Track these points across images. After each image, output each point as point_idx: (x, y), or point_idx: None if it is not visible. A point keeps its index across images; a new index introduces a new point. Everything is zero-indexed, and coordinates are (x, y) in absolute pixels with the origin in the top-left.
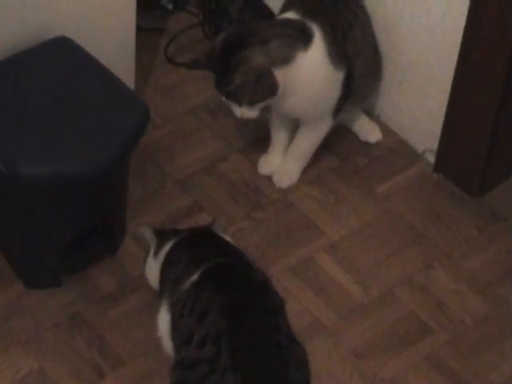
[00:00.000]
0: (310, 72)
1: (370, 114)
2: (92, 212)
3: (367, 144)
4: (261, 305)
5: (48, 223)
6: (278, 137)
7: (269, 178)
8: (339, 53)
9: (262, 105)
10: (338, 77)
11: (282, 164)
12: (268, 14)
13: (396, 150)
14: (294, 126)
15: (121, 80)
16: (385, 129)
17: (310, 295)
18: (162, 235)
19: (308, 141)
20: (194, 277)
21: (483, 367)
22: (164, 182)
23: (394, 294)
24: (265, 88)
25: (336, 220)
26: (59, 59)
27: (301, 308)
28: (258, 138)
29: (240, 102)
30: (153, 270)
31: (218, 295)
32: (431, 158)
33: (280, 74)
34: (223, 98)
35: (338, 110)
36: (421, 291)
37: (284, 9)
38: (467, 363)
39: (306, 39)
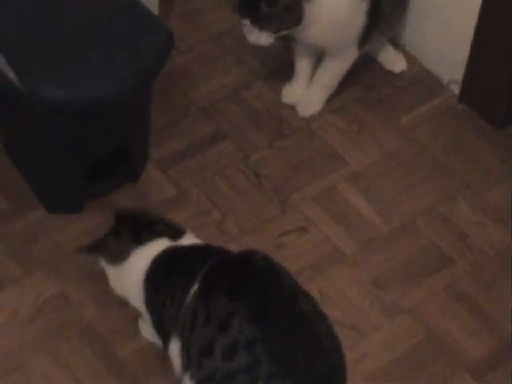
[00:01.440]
0: (333, 1)
1: (395, 43)
2: (114, 137)
3: (392, 74)
4: (283, 297)
5: (70, 147)
6: (302, 66)
7: (292, 107)
8: None
9: (283, 33)
10: (361, 6)
11: (306, 93)
12: None
13: (421, 80)
14: (319, 55)
15: (145, 5)
16: (410, 59)
17: (332, 224)
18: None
19: (333, 70)
20: (194, 288)
21: (503, 297)
22: (187, 109)
23: (416, 225)
24: (292, 17)
25: (359, 150)
26: None
27: (322, 237)
28: (282, 66)
29: (264, 28)
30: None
31: (236, 301)
32: (456, 89)
33: (305, 3)
34: (245, 21)
35: (364, 40)
36: (442, 222)
37: None
38: (487, 294)
39: None
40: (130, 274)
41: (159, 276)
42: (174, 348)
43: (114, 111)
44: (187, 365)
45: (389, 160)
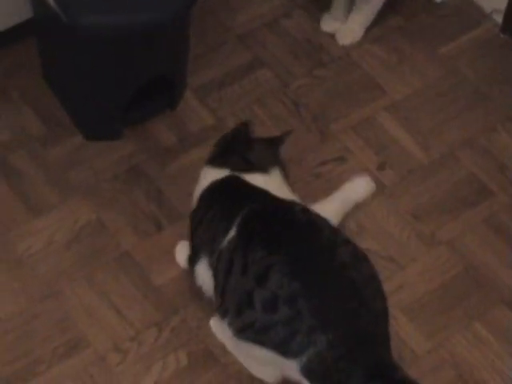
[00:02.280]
0: None
1: None
2: (153, 65)
3: (433, 3)
4: (322, 250)
5: (109, 74)
6: None
7: (331, 36)
8: None
9: None
10: None
11: (346, 21)
12: None
13: (462, 9)
14: None
15: None
16: None
17: (370, 154)
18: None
19: None
20: (232, 233)
21: None
22: (225, 37)
23: (455, 156)
24: None
25: (399, 79)
26: None
27: (361, 167)
28: None
29: None
30: None
31: (275, 254)
32: (498, 19)
33: None
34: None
35: None
36: (483, 154)
37: None
38: None
39: None
40: (196, 188)
41: (206, 200)
42: (201, 269)
43: (153, 39)
44: (223, 312)
45: (429, 90)
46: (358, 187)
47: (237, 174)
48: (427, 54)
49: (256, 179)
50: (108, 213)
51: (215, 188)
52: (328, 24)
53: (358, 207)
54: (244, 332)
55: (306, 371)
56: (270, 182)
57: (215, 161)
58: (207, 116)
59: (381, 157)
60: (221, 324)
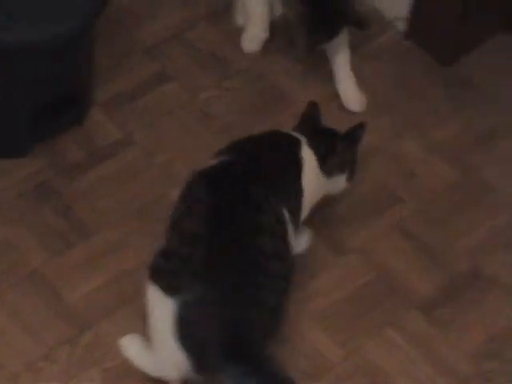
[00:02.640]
0: None
1: None
2: (57, 80)
3: None
4: (245, 221)
5: (13, 89)
6: (258, 9)
7: (236, 47)
8: None
9: None
10: None
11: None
12: None
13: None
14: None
15: None
16: None
17: None
18: None
19: None
20: (211, 162)
21: (451, 235)
22: (132, 50)
23: (364, 164)
24: None
25: (304, 88)
26: None
27: None
28: (226, 7)
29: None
30: None
31: (207, 196)
32: (401, 26)
33: None
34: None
35: None
36: (390, 161)
37: None
38: (436, 231)
39: None
40: None
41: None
42: None
43: (56, 53)
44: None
45: (335, 99)
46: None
47: (303, 143)
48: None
49: (310, 164)
50: (16, 231)
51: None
52: (249, 44)
53: None
54: (161, 256)
55: (177, 318)
56: (316, 175)
57: (310, 135)
58: (115, 130)
59: None
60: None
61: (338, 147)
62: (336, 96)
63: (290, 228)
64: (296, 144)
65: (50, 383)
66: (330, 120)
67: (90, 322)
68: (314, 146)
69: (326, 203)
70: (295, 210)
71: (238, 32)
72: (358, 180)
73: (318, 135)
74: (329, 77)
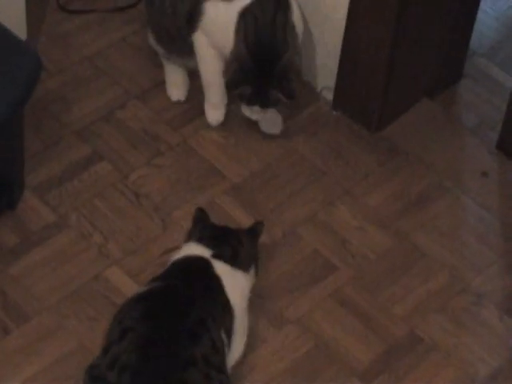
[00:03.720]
0: None
1: None
2: None
3: None
4: (176, 351)
5: None
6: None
7: (168, 124)
8: None
9: None
10: None
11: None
12: None
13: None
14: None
15: (9, 30)
16: None
17: None
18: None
19: None
20: (143, 288)
21: (387, 301)
22: (62, 133)
23: (298, 233)
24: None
25: (237, 162)
26: None
27: None
28: (156, 84)
29: (269, 108)
30: None
31: (142, 322)
32: (329, 96)
33: None
34: (254, 108)
35: None
36: (324, 229)
37: None
38: (372, 298)
39: None
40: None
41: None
42: None
43: None
44: None
45: (267, 171)
46: None
47: (212, 259)
48: (263, 134)
49: (227, 273)
50: None
51: (182, 260)
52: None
53: None
54: (91, 369)
55: None
56: (234, 277)
57: (204, 240)
58: (48, 214)
59: None
60: None
61: (243, 239)
62: (269, 166)
63: (227, 350)
64: (207, 265)
65: None
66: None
67: None
68: (220, 250)
69: (261, 276)
70: (229, 326)
71: (168, 108)
72: (292, 250)
73: (219, 236)
74: (260, 148)
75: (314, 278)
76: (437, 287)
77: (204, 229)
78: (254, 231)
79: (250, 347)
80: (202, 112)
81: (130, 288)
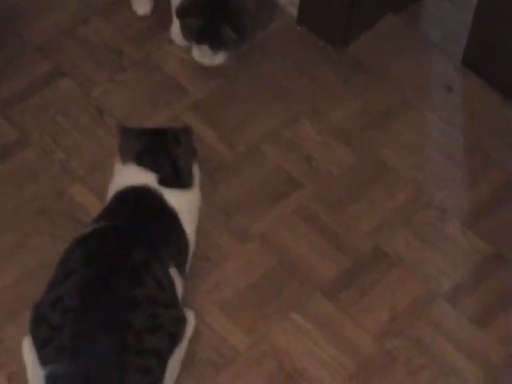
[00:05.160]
0: None
1: None
2: None
3: None
4: (117, 295)
5: None
6: None
7: (130, 39)
8: None
9: None
10: None
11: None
12: None
13: (258, 4)
14: None
15: None
16: None
17: None
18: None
19: None
20: (84, 231)
21: (352, 217)
22: (23, 49)
23: (261, 150)
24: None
25: (200, 78)
26: None
27: None
28: None
29: (222, 50)
30: None
31: (83, 264)
32: (294, 11)
33: None
34: (202, 46)
35: None
36: (288, 145)
37: None
38: (336, 214)
39: None
40: (111, 183)
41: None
42: None
43: None
44: None
45: (230, 86)
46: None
47: (157, 189)
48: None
49: (175, 197)
50: None
51: (126, 193)
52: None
53: None
54: (35, 309)
55: None
56: (186, 200)
57: (143, 159)
58: (10, 130)
59: None
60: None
61: (181, 139)
62: (232, 81)
63: (179, 282)
64: (156, 195)
65: None
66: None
67: None
68: (163, 171)
69: (224, 192)
70: (184, 259)
71: (131, 24)
72: (256, 167)
73: (156, 150)
74: (224, 64)
75: (277, 195)
76: (401, 202)
77: (137, 142)
78: (188, 130)
79: (214, 263)
80: (165, 27)
81: (94, 205)
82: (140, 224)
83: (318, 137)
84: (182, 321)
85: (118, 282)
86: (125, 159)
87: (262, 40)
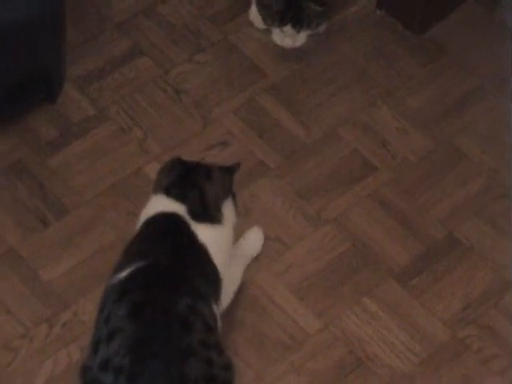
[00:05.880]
0: None
1: None
2: (27, 57)
3: None
4: (171, 346)
5: None
6: None
7: (209, 20)
8: None
9: None
10: None
11: None
12: None
13: None
14: None
15: None
16: None
17: (254, 137)
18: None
19: None
20: (123, 274)
21: (426, 203)
22: (103, 26)
23: (338, 134)
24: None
25: (278, 61)
26: None
27: (245, 150)
28: None
29: (304, 29)
30: None
31: (130, 321)
32: None
33: None
34: (285, 28)
35: None
36: (364, 130)
37: None
38: (410, 200)
39: None
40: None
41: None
42: None
43: (25, 32)
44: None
45: (308, 69)
46: (252, 243)
47: (186, 219)
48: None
49: (203, 231)
50: None
51: (156, 221)
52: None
53: (244, 189)
54: (84, 371)
55: None
56: (216, 235)
57: (171, 191)
58: (88, 107)
59: (264, 139)
60: None
61: (214, 174)
62: (311, 65)
63: (219, 318)
64: (185, 224)
65: (28, 362)
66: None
67: (67, 301)
68: (190, 202)
69: (300, 175)
70: (219, 294)
71: (211, 4)
72: (332, 150)
73: (185, 180)
74: (303, 47)
75: (353, 179)
76: (476, 190)
77: (170, 174)
78: (228, 168)
79: (286, 246)
80: (245, 9)
81: None
82: (177, 258)
83: (394, 122)
84: (231, 367)
85: (168, 334)
86: (155, 190)
87: (340, 23)
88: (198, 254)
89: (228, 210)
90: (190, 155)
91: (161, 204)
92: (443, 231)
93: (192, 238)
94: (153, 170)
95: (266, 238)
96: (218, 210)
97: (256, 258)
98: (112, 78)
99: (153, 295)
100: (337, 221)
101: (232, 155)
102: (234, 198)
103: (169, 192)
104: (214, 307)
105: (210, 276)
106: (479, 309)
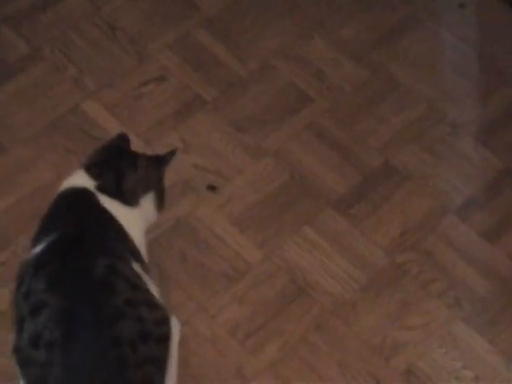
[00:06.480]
0: None
1: None
2: None
3: None
4: (98, 311)
5: None
6: None
7: None
8: None
9: None
10: None
11: None
12: None
13: None
14: None
15: None
16: None
17: (190, 72)
18: None
19: None
20: (36, 250)
21: (362, 133)
22: None
23: (273, 66)
24: None
25: None
26: None
27: (181, 85)
28: None
29: None
30: None
31: (50, 294)
32: None
33: None
34: None
35: None
36: (299, 61)
37: None
38: (347, 129)
39: None
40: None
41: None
42: None
43: None
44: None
45: (241, 2)
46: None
47: (95, 193)
48: None
49: (113, 207)
50: None
51: (66, 194)
52: None
53: (181, 123)
54: (16, 352)
55: None
56: (126, 213)
57: (91, 169)
58: (22, 45)
59: (200, 73)
60: None
61: (139, 164)
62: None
63: (145, 278)
64: (91, 196)
65: None
66: None
67: (6, 240)
68: (104, 180)
69: (237, 108)
70: (140, 257)
71: None
72: (268, 83)
73: (107, 162)
74: None
75: (289, 110)
76: (413, 118)
77: (95, 155)
78: (159, 159)
79: (226, 178)
80: None
81: (107, 120)
82: (87, 227)
83: (328, 52)
84: (166, 320)
85: (92, 299)
86: (81, 165)
87: None
88: (108, 221)
89: (147, 203)
90: (125, 92)
91: (77, 179)
92: (380, 159)
93: (100, 209)
94: (89, 106)
95: (206, 171)
96: (134, 197)
97: (196, 192)
98: (45, 15)
99: (68, 264)
100: (275, 152)
101: (168, 90)
102: (160, 195)
103: (88, 169)
104: (136, 265)
105: (123, 237)
106: (417, 234)
